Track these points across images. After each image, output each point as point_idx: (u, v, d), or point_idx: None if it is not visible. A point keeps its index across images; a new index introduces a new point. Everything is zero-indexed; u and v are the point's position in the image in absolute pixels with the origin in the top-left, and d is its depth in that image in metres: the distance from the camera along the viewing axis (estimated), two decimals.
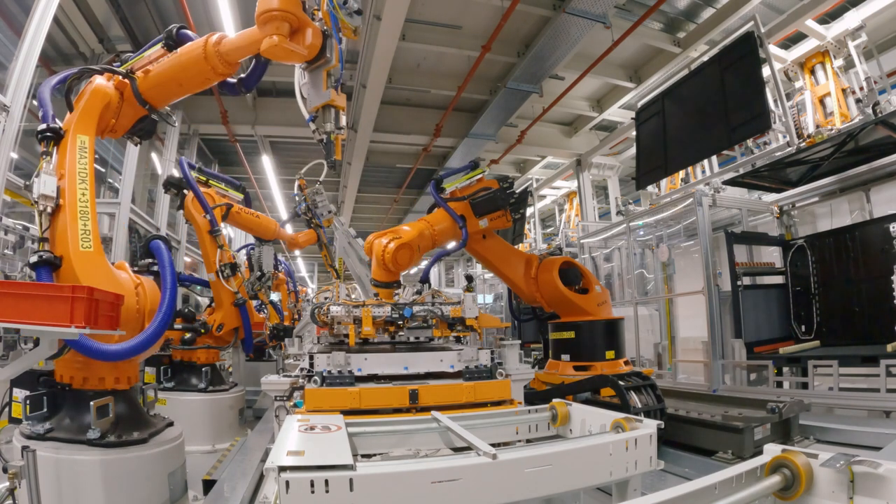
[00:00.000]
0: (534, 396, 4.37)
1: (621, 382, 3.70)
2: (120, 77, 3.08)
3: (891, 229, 5.12)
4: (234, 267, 5.23)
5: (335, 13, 2.76)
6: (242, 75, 3.22)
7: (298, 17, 2.70)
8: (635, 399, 3.63)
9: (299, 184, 6.64)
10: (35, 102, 3.15)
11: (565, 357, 4.42)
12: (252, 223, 6.27)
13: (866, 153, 5.72)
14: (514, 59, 8.40)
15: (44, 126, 2.81)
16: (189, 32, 3.15)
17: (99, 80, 3.04)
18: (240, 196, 6.05)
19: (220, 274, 5.12)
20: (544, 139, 11.46)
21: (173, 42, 3.08)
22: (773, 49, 6.62)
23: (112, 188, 9.26)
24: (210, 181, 5.71)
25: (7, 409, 2.76)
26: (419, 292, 3.80)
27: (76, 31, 7.35)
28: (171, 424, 3.08)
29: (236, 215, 5.77)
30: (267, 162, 11.95)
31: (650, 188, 9.21)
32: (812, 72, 7.04)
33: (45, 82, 3.08)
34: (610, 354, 4.32)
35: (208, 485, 3.39)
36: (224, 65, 2.96)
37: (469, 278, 4.87)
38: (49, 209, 2.68)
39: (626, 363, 4.40)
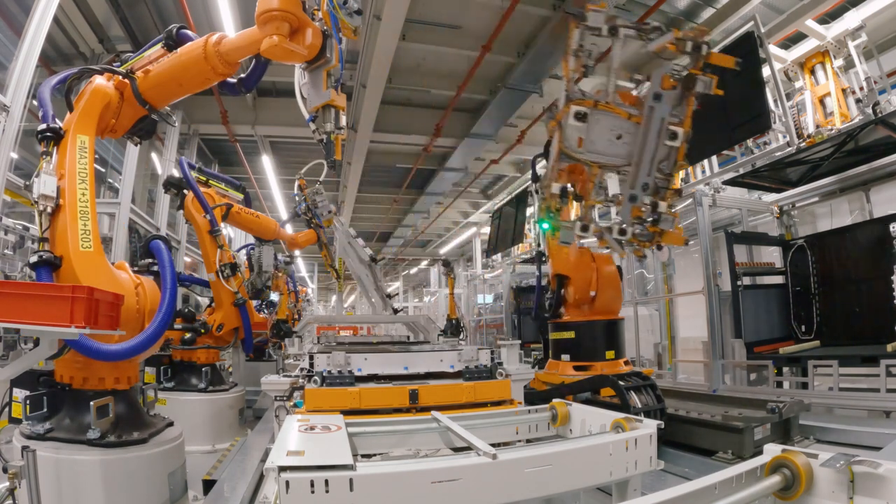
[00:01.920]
0: (534, 396, 4.36)
1: (621, 382, 3.69)
2: (120, 77, 3.08)
3: (891, 229, 5.11)
4: (234, 267, 5.23)
5: (335, 13, 2.76)
6: (242, 75, 3.22)
7: (298, 17, 2.68)
8: (635, 399, 3.62)
9: (299, 184, 6.65)
10: (35, 102, 3.15)
11: (565, 357, 4.40)
12: (252, 223, 6.28)
13: (866, 153, 5.72)
14: (514, 59, 8.39)
15: (44, 126, 2.81)
16: (189, 32, 3.15)
17: (99, 80, 3.04)
18: (240, 196, 6.06)
19: (220, 274, 5.12)
20: (544, 139, 11.42)
21: (173, 42, 3.08)
22: (773, 49, 6.62)
23: (112, 188, 9.27)
24: (210, 181, 5.72)
25: (7, 409, 2.76)
26: None
27: (76, 31, 7.35)
28: (171, 424, 3.08)
29: (236, 215, 5.78)
30: (267, 162, 11.96)
31: None
32: (812, 72, 7.03)
33: (45, 82, 3.08)
34: (610, 354, 4.29)
35: (208, 485, 3.39)
36: (224, 65, 2.96)
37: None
38: (49, 209, 2.68)
39: (627, 363, 4.39)
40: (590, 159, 3.15)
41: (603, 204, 3.30)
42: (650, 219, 3.18)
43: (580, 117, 3.03)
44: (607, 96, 3.09)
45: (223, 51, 2.92)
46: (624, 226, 3.17)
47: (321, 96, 2.85)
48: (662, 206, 3.18)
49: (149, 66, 3.09)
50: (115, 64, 3.21)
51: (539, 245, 4.67)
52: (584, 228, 3.24)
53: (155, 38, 3.18)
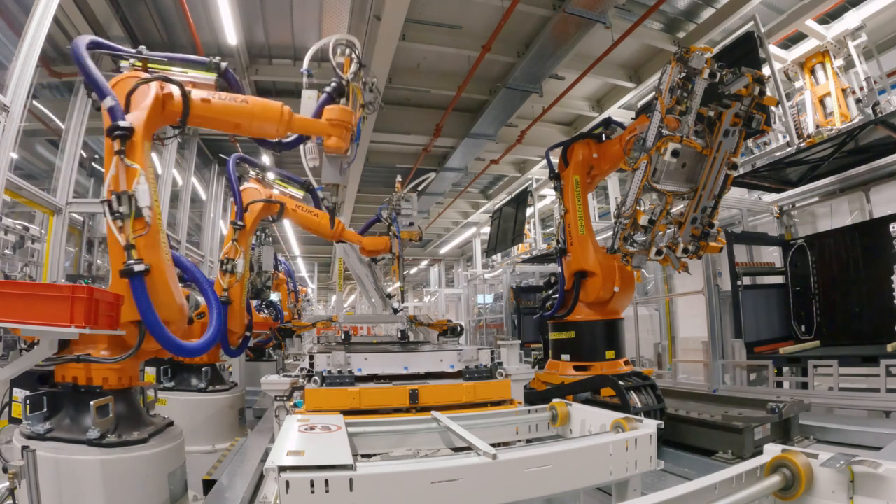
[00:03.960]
0: (534, 396, 4.36)
1: (621, 382, 3.69)
2: (171, 90, 2.98)
3: (891, 229, 5.12)
4: (234, 265, 5.15)
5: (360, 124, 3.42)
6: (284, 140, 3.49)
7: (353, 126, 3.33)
8: (635, 399, 3.62)
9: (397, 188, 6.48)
10: (93, 97, 3.00)
11: (565, 357, 4.40)
12: (310, 221, 6.00)
13: (866, 153, 5.72)
14: (514, 59, 8.39)
15: (119, 123, 2.68)
16: (231, 73, 3.31)
17: (154, 87, 2.92)
18: (300, 194, 5.89)
19: (221, 266, 5.05)
20: (544, 139, 11.45)
21: (219, 74, 3.22)
22: (773, 49, 6.62)
23: None
24: (273, 181, 5.67)
25: (7, 409, 2.76)
26: None
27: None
28: (171, 424, 3.08)
29: (293, 213, 5.63)
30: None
31: None
32: (812, 72, 7.03)
33: (93, 70, 2.83)
34: (610, 354, 4.29)
35: (208, 485, 3.39)
36: (285, 131, 3.22)
37: None
38: (131, 217, 2.61)
39: (626, 363, 4.39)
40: (667, 189, 3.51)
41: (666, 227, 3.66)
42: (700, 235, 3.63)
43: (675, 154, 3.35)
44: (683, 130, 3.43)
45: (292, 123, 3.19)
46: (685, 245, 3.58)
47: (337, 177, 3.44)
48: (715, 223, 3.66)
49: (192, 88, 3.06)
50: (133, 60, 3.14)
51: (559, 241, 4.62)
52: (659, 253, 3.61)
53: (190, 57, 3.19)
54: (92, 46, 2.96)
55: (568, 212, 4.53)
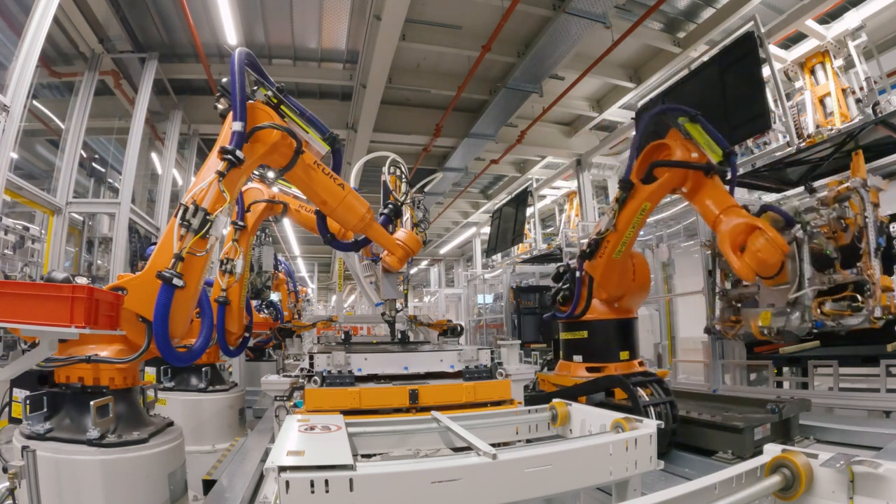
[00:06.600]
0: (542, 400, 4.22)
1: (633, 386, 3.58)
2: (290, 142, 3.02)
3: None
4: (233, 266, 5.12)
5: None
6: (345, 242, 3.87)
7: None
8: (645, 399, 3.55)
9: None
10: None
11: (577, 358, 4.25)
12: (314, 223, 5.82)
13: (866, 153, 5.70)
14: (514, 59, 8.40)
15: (236, 151, 2.69)
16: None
17: (277, 135, 2.97)
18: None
19: (220, 265, 5.01)
20: (544, 139, 11.46)
21: (331, 147, 3.30)
22: (773, 49, 6.61)
23: (112, 188, 9.27)
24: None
25: (7, 409, 2.76)
26: None
27: (76, 31, 7.36)
28: (171, 424, 3.08)
29: (296, 213, 5.49)
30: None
31: None
32: (812, 72, 7.03)
33: (242, 86, 2.81)
34: (624, 355, 4.14)
35: (208, 485, 3.39)
36: (361, 230, 3.45)
37: None
38: (205, 239, 2.67)
39: (641, 364, 4.22)
40: None
41: None
42: None
43: None
44: None
45: (369, 226, 3.43)
46: None
47: (395, 293, 3.90)
48: None
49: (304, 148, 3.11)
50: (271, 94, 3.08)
51: (589, 246, 4.21)
52: None
53: (317, 119, 3.20)
54: (247, 62, 2.93)
55: (616, 230, 3.89)
